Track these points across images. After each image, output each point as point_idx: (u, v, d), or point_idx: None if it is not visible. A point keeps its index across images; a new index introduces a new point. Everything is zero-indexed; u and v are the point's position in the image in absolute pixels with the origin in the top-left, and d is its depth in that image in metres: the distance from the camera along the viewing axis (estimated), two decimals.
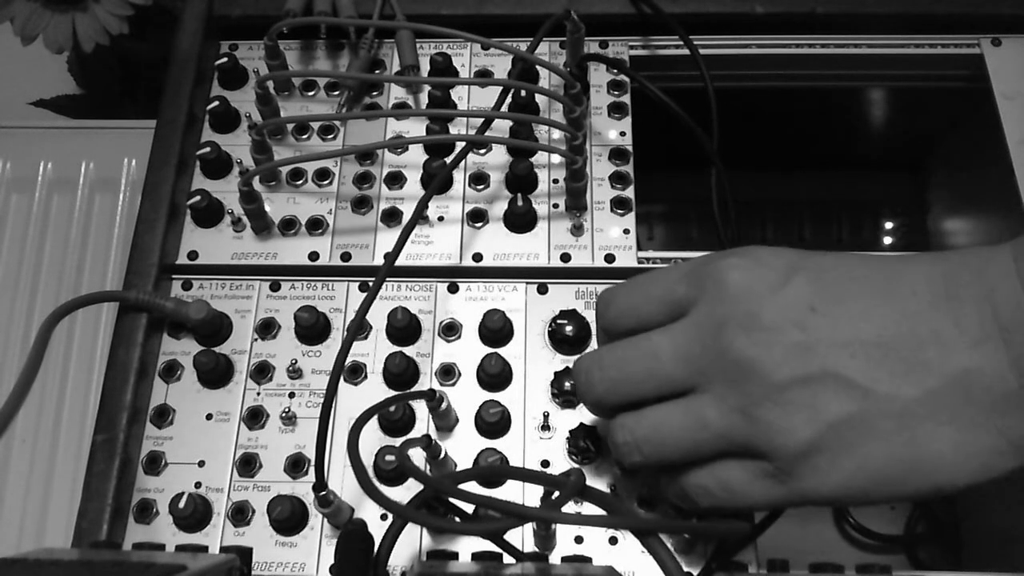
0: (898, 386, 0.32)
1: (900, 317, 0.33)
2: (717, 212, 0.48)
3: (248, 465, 0.46)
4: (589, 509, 0.40)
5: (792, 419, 0.33)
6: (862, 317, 0.33)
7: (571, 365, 0.45)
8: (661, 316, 0.37)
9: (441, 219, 0.52)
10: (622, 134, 0.54)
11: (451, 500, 0.42)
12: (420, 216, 0.47)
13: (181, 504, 0.43)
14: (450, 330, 0.48)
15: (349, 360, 0.47)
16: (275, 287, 0.50)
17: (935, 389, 0.32)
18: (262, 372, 0.48)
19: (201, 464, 0.46)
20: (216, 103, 0.54)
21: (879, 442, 0.32)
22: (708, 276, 0.35)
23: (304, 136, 0.55)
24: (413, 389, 0.47)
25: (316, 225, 0.52)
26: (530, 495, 0.44)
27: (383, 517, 0.44)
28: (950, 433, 0.32)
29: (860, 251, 0.49)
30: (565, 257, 0.50)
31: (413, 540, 0.43)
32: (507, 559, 0.39)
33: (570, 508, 0.42)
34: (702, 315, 0.35)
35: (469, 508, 0.42)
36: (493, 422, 0.45)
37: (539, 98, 0.54)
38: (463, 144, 0.52)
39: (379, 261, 0.50)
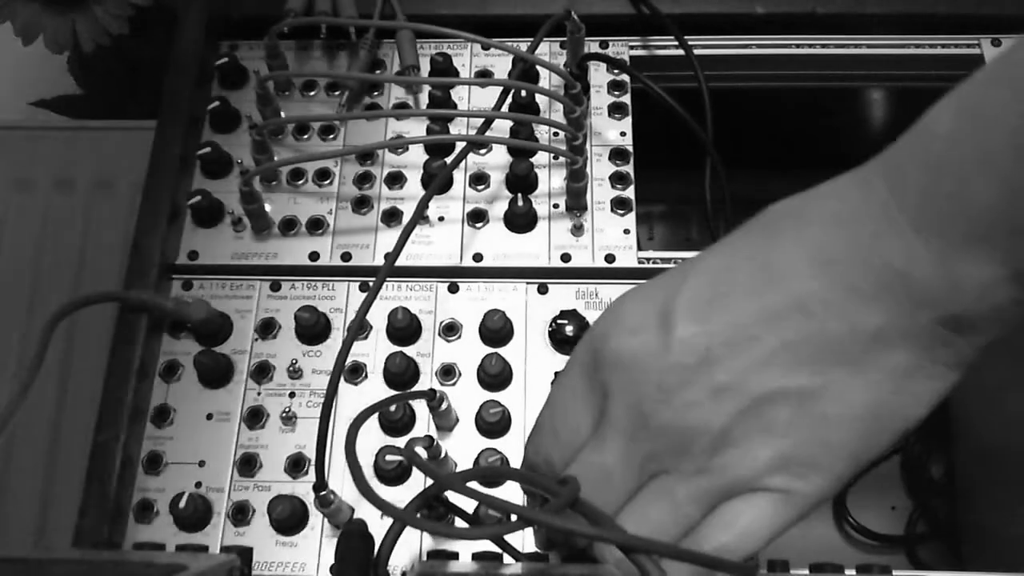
0: (822, 372, 0.31)
1: (790, 308, 0.32)
2: (709, 204, 0.48)
3: (248, 465, 0.46)
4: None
5: (750, 450, 0.32)
6: (756, 327, 0.32)
7: None
8: (585, 428, 0.36)
9: (441, 219, 0.52)
10: (622, 134, 0.54)
11: (451, 500, 0.42)
12: (420, 216, 0.47)
13: (181, 504, 0.43)
14: (450, 330, 0.48)
15: (349, 360, 0.47)
16: (275, 287, 0.50)
17: (857, 359, 0.31)
18: (262, 372, 0.48)
19: (201, 464, 0.46)
20: (216, 103, 0.54)
21: (838, 427, 0.32)
22: (602, 368, 0.34)
23: (304, 136, 0.55)
24: (413, 389, 0.47)
25: (316, 225, 0.52)
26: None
27: (383, 516, 0.44)
28: (890, 385, 0.31)
29: None
30: (565, 257, 0.50)
31: (414, 540, 0.43)
32: (507, 559, 0.39)
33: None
34: (619, 411, 0.34)
35: (469, 508, 0.42)
36: (493, 422, 0.45)
37: (539, 98, 0.54)
38: (463, 144, 0.52)
39: (379, 261, 0.50)
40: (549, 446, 0.37)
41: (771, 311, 0.32)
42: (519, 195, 0.50)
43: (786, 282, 0.32)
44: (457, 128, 0.54)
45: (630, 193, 0.52)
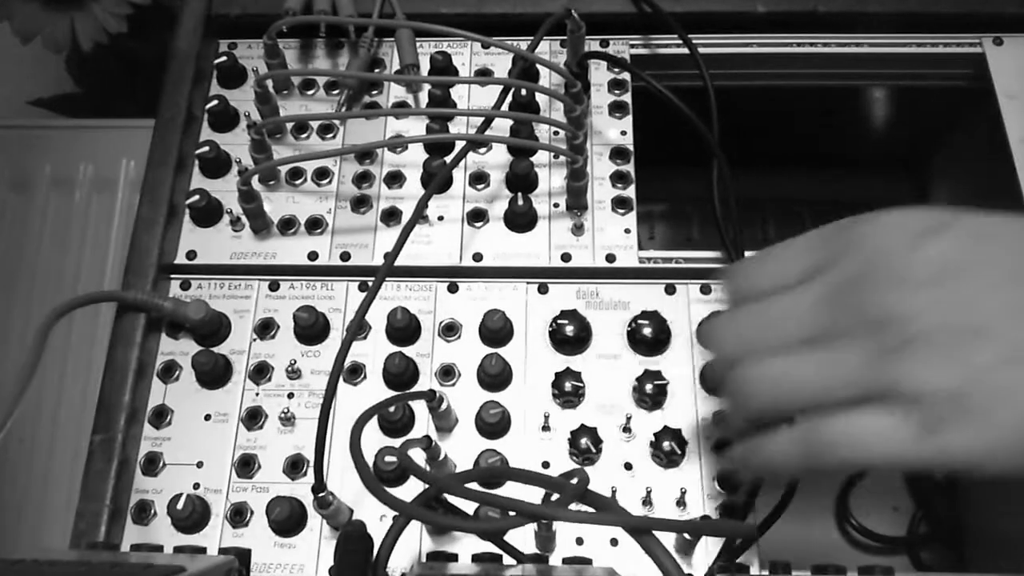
0: None
1: None
2: (717, 204, 0.48)
3: (247, 466, 0.45)
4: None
5: (939, 364, 0.31)
6: (1010, 277, 0.32)
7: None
8: (796, 279, 0.36)
9: (441, 219, 0.51)
10: (623, 133, 0.54)
11: (450, 501, 0.42)
12: (420, 216, 0.47)
13: (179, 505, 0.43)
14: (450, 330, 0.48)
15: (348, 360, 0.47)
16: (274, 287, 0.50)
17: None
18: (261, 372, 0.48)
19: (199, 465, 0.46)
20: (215, 102, 0.54)
21: None
22: (845, 238, 0.35)
23: (303, 135, 0.55)
24: (413, 389, 0.47)
25: (315, 225, 0.51)
26: (530, 497, 0.44)
27: (382, 518, 0.44)
28: None
29: None
30: (565, 257, 0.50)
31: (412, 541, 0.43)
32: (507, 560, 0.39)
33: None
34: (839, 272, 0.34)
35: (468, 510, 0.42)
36: (493, 423, 0.45)
37: (539, 97, 0.54)
38: (463, 143, 0.52)
39: (379, 261, 0.50)
40: (756, 272, 0.38)
41: None
42: (519, 194, 0.50)
43: None
44: (457, 127, 0.54)
45: (631, 192, 0.52)
